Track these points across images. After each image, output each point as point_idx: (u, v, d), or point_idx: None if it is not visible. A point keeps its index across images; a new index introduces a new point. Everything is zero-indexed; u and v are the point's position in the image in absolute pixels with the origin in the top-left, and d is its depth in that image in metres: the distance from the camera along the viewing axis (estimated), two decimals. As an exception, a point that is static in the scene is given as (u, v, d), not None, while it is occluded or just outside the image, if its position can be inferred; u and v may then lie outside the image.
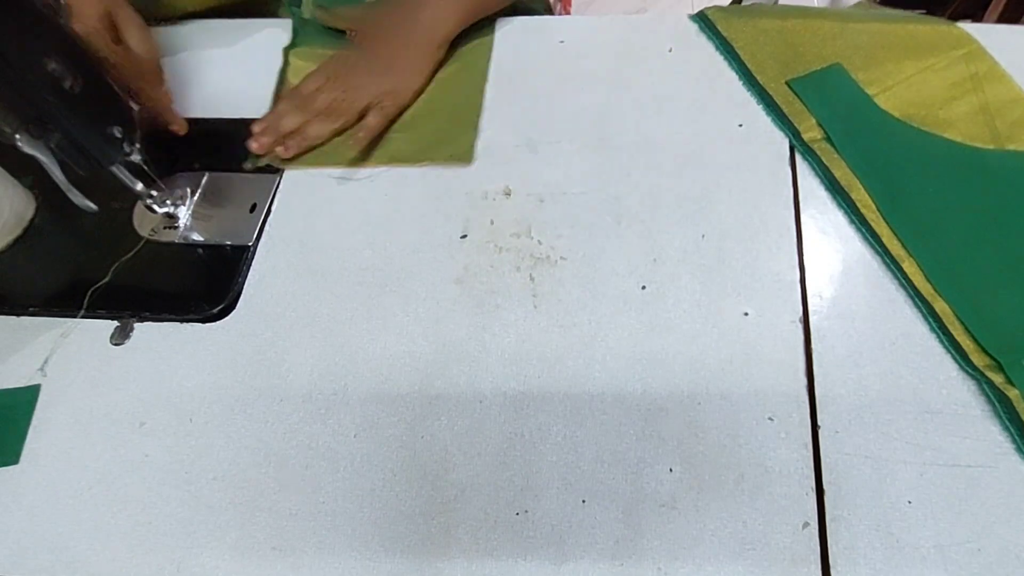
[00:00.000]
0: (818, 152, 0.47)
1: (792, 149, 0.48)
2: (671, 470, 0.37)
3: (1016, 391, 0.37)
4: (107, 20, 0.49)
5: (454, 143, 0.50)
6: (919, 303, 0.40)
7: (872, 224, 0.43)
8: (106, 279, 0.45)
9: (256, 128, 0.51)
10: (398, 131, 0.51)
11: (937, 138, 0.47)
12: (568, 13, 0.82)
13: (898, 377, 0.39)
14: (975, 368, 0.38)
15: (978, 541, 0.34)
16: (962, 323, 0.39)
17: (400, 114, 0.52)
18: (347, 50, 0.55)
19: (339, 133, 0.51)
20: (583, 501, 0.37)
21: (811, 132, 0.47)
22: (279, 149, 0.50)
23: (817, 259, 0.43)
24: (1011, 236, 0.42)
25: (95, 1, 0.49)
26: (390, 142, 0.51)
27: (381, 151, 0.50)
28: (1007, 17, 1.03)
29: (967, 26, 0.52)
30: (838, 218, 0.45)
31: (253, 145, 0.50)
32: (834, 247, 0.44)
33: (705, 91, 0.51)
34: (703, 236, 0.45)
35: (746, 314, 0.41)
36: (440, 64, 0.55)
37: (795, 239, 0.44)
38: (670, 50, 0.54)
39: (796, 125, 0.48)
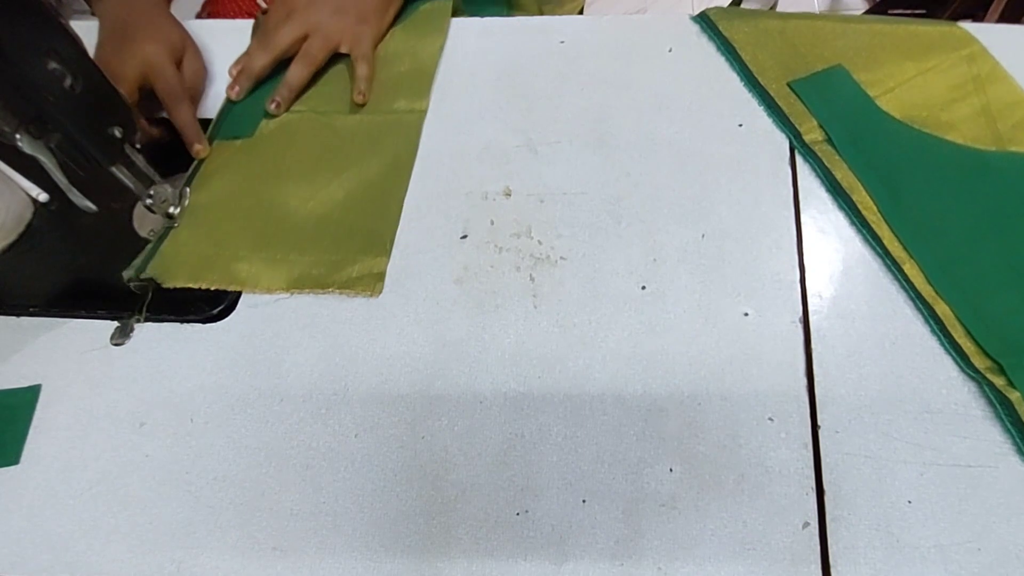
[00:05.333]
0: (819, 154, 0.46)
1: (792, 149, 0.48)
2: (671, 470, 0.37)
3: (1018, 394, 0.37)
4: (180, 52, 0.52)
5: (364, 266, 0.44)
6: (920, 305, 0.40)
7: (873, 226, 0.43)
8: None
9: (232, 70, 0.53)
10: (300, 251, 0.45)
11: (939, 140, 0.47)
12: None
13: (898, 377, 0.39)
14: (976, 371, 0.38)
15: (978, 541, 0.34)
16: (963, 325, 0.39)
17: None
18: None
19: (312, 76, 0.52)
20: (583, 501, 0.37)
21: (812, 133, 0.47)
22: (271, 107, 0.51)
23: (817, 259, 0.43)
24: (1012, 238, 0.42)
25: (178, 29, 0.53)
26: (292, 265, 0.45)
27: (281, 274, 0.44)
28: (1007, 17, 1.03)
29: (968, 26, 0.52)
30: (838, 218, 0.45)
31: (232, 92, 0.52)
32: (834, 247, 0.44)
33: (705, 91, 0.51)
34: (703, 236, 0.45)
35: (746, 314, 0.41)
36: (398, 13, 0.56)
37: (795, 239, 0.44)
38: (670, 50, 0.54)
39: (797, 126, 0.48)
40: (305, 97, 0.53)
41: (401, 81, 0.53)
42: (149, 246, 0.46)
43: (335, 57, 0.54)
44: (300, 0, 0.53)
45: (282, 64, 0.53)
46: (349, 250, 0.45)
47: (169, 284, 0.44)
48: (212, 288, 0.44)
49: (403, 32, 0.57)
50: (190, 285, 0.44)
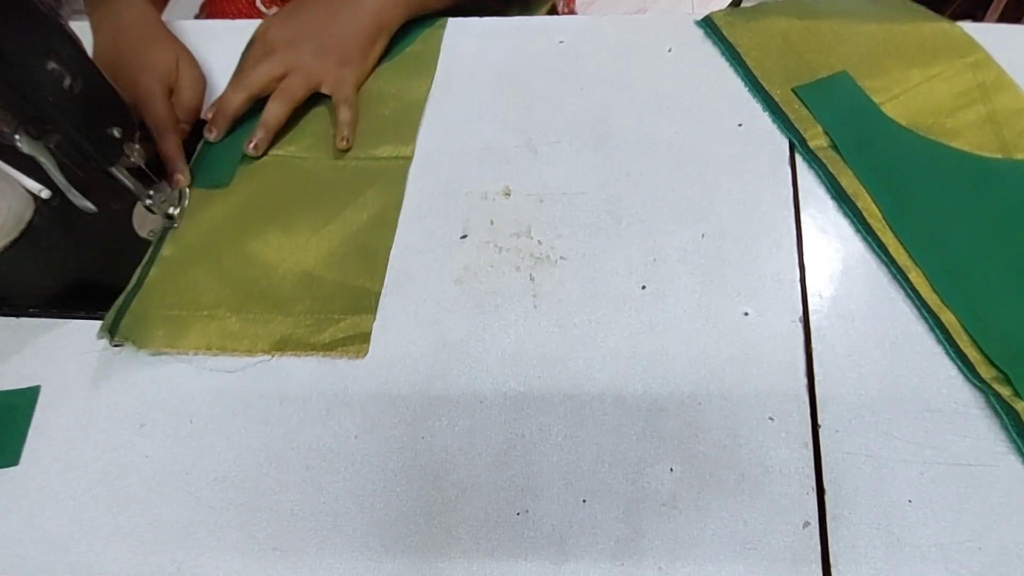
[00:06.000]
0: (824, 160, 0.46)
1: (792, 148, 0.48)
2: (672, 470, 0.37)
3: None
4: (174, 74, 0.52)
5: (349, 325, 0.42)
6: (925, 314, 0.40)
7: (878, 233, 0.43)
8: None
9: (208, 112, 0.51)
10: (282, 311, 0.43)
11: (944, 147, 0.46)
12: (572, 8, 0.81)
13: (898, 376, 0.39)
14: (982, 380, 0.37)
15: (979, 540, 0.34)
16: (969, 334, 0.39)
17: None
18: (284, 20, 0.52)
19: (290, 114, 0.50)
20: (584, 501, 0.37)
21: (817, 139, 0.47)
22: (249, 148, 0.49)
23: (817, 258, 0.43)
24: (1018, 246, 0.42)
25: (168, 51, 0.52)
26: (274, 325, 0.42)
27: (263, 336, 0.42)
28: (1007, 17, 1.03)
29: (968, 26, 0.52)
30: (838, 218, 0.45)
31: (210, 134, 0.50)
32: (834, 246, 0.44)
33: (705, 91, 0.51)
34: (703, 236, 0.45)
35: (746, 314, 0.41)
36: (382, 54, 0.54)
37: (795, 239, 0.44)
38: (670, 50, 0.54)
39: (802, 132, 0.48)
40: (285, 140, 0.51)
41: (386, 125, 0.51)
42: (120, 299, 0.43)
43: (317, 98, 0.52)
44: (280, 39, 0.51)
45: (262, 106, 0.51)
46: (333, 309, 0.43)
47: (144, 349, 0.42)
48: (191, 353, 0.42)
49: (389, 73, 0.55)
50: (167, 350, 0.42)
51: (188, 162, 0.50)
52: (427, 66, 0.55)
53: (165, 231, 0.47)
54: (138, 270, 0.45)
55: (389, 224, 0.46)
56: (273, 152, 0.51)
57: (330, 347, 0.42)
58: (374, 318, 0.43)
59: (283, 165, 0.50)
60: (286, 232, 0.46)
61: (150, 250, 0.46)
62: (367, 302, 0.43)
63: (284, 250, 0.46)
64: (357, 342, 0.42)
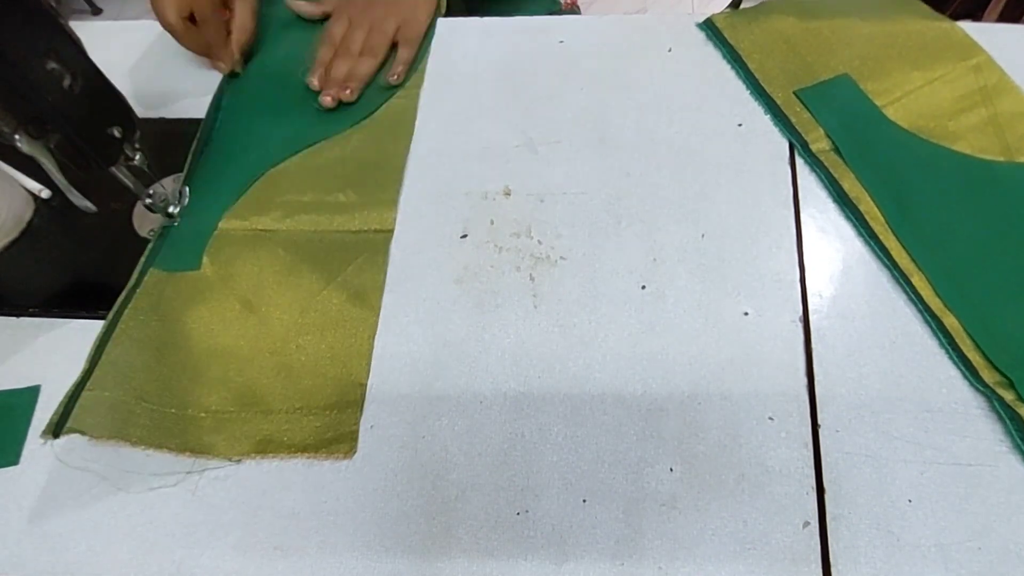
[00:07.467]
0: (826, 163, 0.46)
1: (792, 148, 0.48)
2: (671, 470, 0.37)
3: None
4: None
5: (335, 421, 0.39)
6: (928, 318, 0.40)
7: (880, 237, 0.43)
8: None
9: (315, 81, 0.54)
10: (263, 408, 0.40)
11: (946, 150, 0.46)
12: (575, 5, 0.81)
13: (898, 376, 0.39)
14: (985, 385, 0.37)
15: (978, 540, 0.34)
16: (972, 339, 0.39)
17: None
18: None
19: (381, 66, 0.55)
20: (584, 501, 0.37)
21: (819, 143, 0.47)
22: (345, 92, 0.53)
23: (817, 258, 0.43)
24: (1021, 249, 0.42)
25: None
26: (254, 425, 0.39)
27: (243, 438, 0.39)
28: (1007, 16, 1.03)
29: (968, 26, 0.52)
30: (838, 218, 0.45)
31: (326, 99, 0.53)
32: (834, 246, 0.44)
33: (705, 91, 0.51)
34: (703, 236, 0.45)
35: (746, 314, 0.41)
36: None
37: (795, 238, 0.44)
38: (670, 50, 0.54)
39: (804, 135, 0.48)
40: (254, 211, 0.48)
41: (365, 198, 0.48)
42: (65, 396, 0.40)
43: (297, 157, 0.50)
44: (356, 5, 0.57)
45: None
46: (317, 404, 0.40)
47: (101, 441, 0.39)
48: (158, 451, 0.39)
49: (367, 135, 0.51)
50: (145, 448, 0.39)
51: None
52: (406, 126, 0.52)
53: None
54: (86, 362, 0.41)
55: (372, 308, 0.43)
56: (242, 227, 0.47)
57: (316, 448, 0.38)
58: (360, 414, 0.40)
59: (255, 242, 0.46)
60: (262, 321, 0.43)
61: (96, 341, 0.42)
62: (353, 396, 0.40)
63: (260, 341, 0.42)
64: (345, 441, 0.39)
